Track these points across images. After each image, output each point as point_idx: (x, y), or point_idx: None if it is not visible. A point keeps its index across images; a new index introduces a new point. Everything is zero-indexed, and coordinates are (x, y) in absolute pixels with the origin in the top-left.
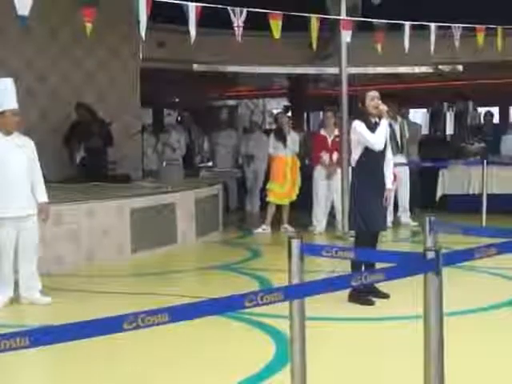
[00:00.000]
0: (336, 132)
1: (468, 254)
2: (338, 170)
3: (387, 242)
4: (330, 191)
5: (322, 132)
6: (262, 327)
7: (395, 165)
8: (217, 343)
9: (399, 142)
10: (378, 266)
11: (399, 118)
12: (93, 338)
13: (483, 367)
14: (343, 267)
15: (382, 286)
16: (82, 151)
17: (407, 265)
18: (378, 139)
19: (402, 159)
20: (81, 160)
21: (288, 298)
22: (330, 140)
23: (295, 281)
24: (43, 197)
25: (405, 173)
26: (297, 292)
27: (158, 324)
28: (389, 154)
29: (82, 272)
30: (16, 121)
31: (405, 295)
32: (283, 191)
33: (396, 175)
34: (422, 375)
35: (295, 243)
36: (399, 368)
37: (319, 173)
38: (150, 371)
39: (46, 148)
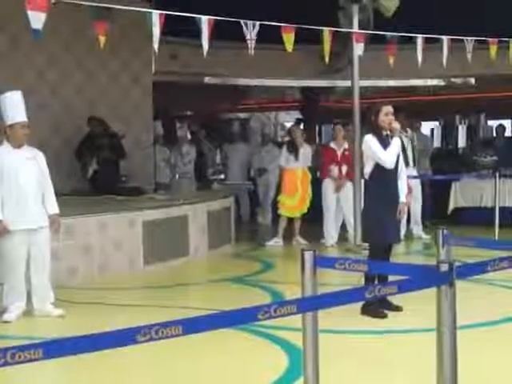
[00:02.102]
0: (345, 145)
1: (481, 267)
2: (348, 183)
3: (399, 254)
4: (340, 204)
5: (332, 145)
6: (274, 340)
7: (407, 177)
8: (229, 356)
9: (409, 156)
10: (391, 278)
11: (409, 131)
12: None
13: (497, 381)
14: (355, 280)
15: (395, 299)
16: (95, 164)
17: (421, 277)
18: (388, 158)
19: (413, 172)
20: (93, 173)
21: (301, 311)
22: (339, 153)
23: (308, 293)
24: (54, 209)
25: (416, 186)
26: (310, 304)
27: (171, 336)
28: (402, 167)
29: (94, 284)
30: (25, 133)
31: (417, 308)
32: (294, 204)
33: (411, 188)
34: None
35: (308, 255)
36: (412, 381)
37: (328, 186)
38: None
39: (59, 161)
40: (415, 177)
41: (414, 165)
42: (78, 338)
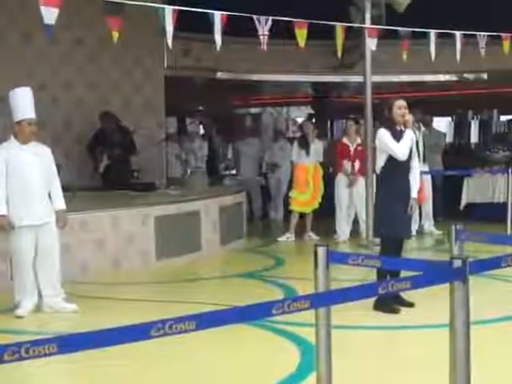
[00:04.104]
0: (358, 140)
1: (494, 263)
2: (360, 179)
3: (411, 250)
4: (352, 199)
5: (345, 140)
6: (286, 335)
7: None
8: (240, 351)
9: (420, 152)
10: (403, 274)
11: (422, 128)
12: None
13: (511, 377)
14: (362, 275)
15: (407, 295)
16: (106, 159)
17: (434, 273)
18: (402, 150)
19: (424, 168)
20: (104, 168)
21: (314, 306)
22: (352, 148)
23: (321, 289)
24: (61, 204)
25: (427, 182)
26: (323, 300)
27: (185, 331)
28: (415, 162)
29: (107, 280)
30: (32, 130)
31: (430, 304)
32: (305, 199)
33: (423, 184)
34: None
35: (321, 251)
36: (425, 377)
37: (341, 181)
38: (172, 378)
39: (71, 156)
40: (427, 172)
41: (424, 161)
42: (91, 332)
